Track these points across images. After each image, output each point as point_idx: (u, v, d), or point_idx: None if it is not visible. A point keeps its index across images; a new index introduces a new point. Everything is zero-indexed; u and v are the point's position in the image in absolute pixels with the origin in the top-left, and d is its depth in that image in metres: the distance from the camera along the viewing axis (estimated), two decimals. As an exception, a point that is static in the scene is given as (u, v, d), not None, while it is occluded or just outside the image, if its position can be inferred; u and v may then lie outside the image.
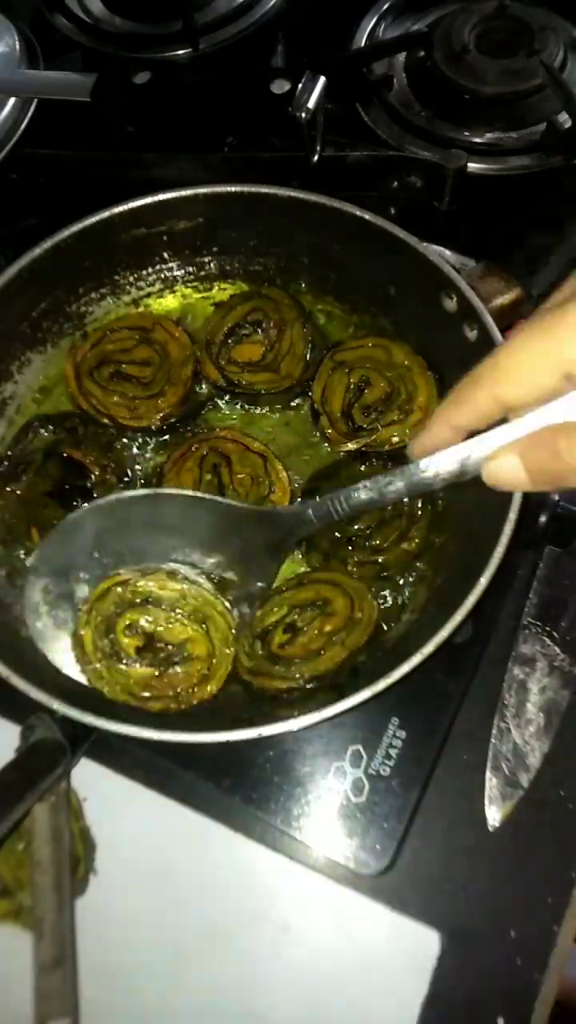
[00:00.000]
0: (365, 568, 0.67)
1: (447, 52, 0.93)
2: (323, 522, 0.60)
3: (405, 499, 0.57)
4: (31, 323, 0.77)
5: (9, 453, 0.74)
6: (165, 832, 0.65)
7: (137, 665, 0.63)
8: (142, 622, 0.64)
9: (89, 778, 0.66)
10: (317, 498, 0.60)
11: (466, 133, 0.90)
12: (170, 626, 0.64)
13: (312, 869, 0.64)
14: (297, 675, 0.62)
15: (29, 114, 0.91)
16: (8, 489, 0.72)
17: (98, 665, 0.63)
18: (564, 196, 0.86)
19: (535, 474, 0.44)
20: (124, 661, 0.63)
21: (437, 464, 0.48)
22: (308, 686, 0.61)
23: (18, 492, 0.71)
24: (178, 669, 0.63)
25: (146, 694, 0.62)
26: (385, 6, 1.02)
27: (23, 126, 0.91)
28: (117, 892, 0.64)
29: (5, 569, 0.70)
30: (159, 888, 0.64)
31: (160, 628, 0.64)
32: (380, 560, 0.67)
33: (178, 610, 0.64)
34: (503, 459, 0.44)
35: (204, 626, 0.64)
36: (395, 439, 0.71)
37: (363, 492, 0.54)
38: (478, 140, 0.90)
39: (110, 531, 0.63)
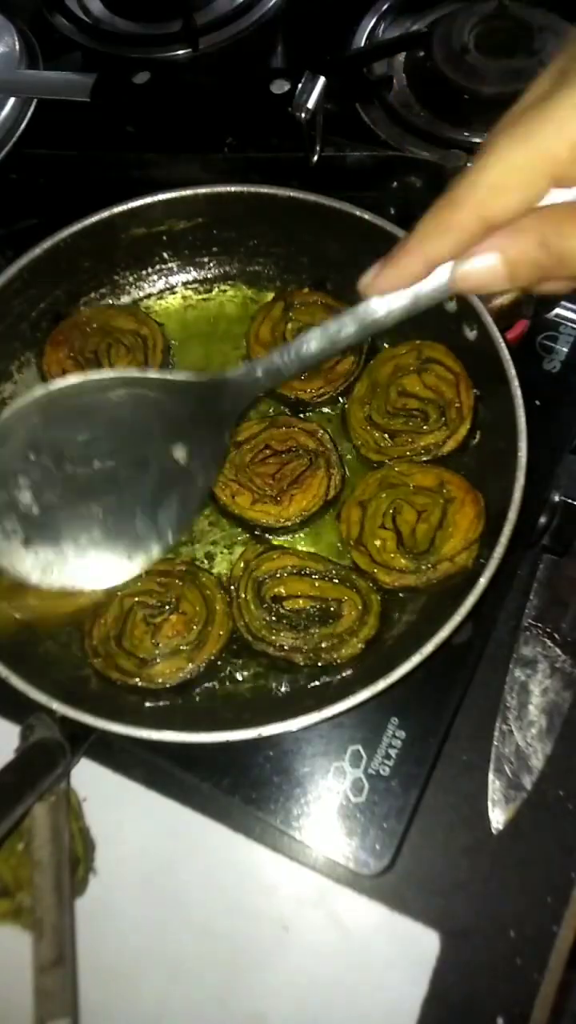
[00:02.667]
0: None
1: (447, 52, 0.92)
2: (272, 379, 0.57)
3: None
4: (31, 323, 0.77)
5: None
6: (165, 832, 0.65)
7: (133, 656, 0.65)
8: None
9: (89, 778, 0.66)
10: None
11: (466, 133, 0.90)
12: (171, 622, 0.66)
13: (312, 869, 0.64)
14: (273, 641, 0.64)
15: (29, 114, 0.91)
16: None
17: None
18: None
19: (516, 265, 0.40)
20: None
21: (389, 301, 0.45)
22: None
23: None
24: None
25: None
26: (385, 6, 1.02)
27: (23, 126, 0.91)
28: (117, 892, 0.64)
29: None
30: (159, 888, 0.64)
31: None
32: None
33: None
34: (478, 257, 0.41)
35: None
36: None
37: (313, 343, 0.51)
38: (478, 140, 0.90)
39: (41, 430, 0.59)
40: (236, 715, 0.63)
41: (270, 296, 0.81)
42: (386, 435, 0.72)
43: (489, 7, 0.94)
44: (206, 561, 0.72)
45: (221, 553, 0.72)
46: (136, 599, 0.67)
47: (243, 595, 0.66)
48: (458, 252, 0.41)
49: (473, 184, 0.39)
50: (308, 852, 0.64)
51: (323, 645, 0.64)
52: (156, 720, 0.60)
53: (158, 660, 0.64)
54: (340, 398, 0.76)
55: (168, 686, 0.64)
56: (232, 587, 0.67)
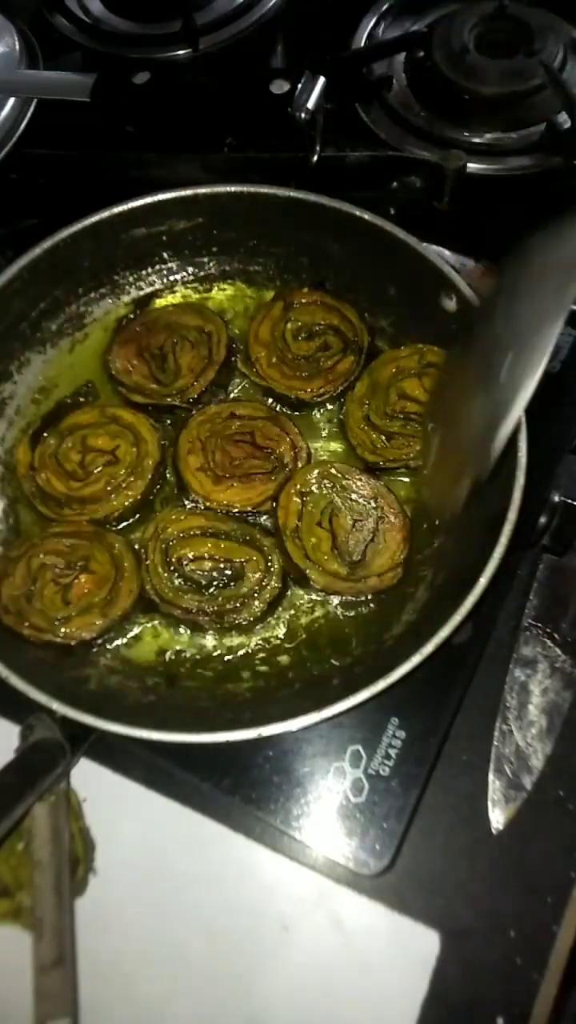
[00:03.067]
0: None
1: (447, 52, 0.92)
2: None
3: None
4: (31, 323, 0.77)
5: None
6: (165, 832, 0.65)
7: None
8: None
9: (89, 778, 0.66)
10: None
11: (466, 133, 0.90)
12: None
13: (312, 869, 0.64)
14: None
15: (29, 114, 0.91)
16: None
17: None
18: (564, 196, 0.86)
19: None
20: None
21: None
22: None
23: None
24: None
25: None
26: (385, 6, 1.02)
27: (23, 126, 0.91)
28: (117, 892, 0.64)
29: (5, 569, 0.71)
30: (159, 888, 0.64)
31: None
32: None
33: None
34: None
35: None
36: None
37: None
38: (478, 140, 0.90)
39: None
40: (236, 715, 0.63)
41: (270, 295, 0.81)
42: (383, 436, 0.72)
43: (489, 7, 0.94)
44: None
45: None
46: (44, 560, 0.68)
47: (152, 557, 0.68)
48: None
49: None
50: (308, 852, 0.64)
51: (227, 607, 0.67)
52: (156, 720, 0.60)
53: (72, 616, 0.66)
54: (341, 398, 0.76)
55: (83, 640, 0.66)
56: (141, 549, 0.69)
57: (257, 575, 0.68)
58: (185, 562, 0.68)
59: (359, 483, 0.70)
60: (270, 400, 0.77)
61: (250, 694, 0.66)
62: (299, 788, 0.65)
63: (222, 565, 0.68)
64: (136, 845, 0.65)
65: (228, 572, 0.68)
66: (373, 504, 0.69)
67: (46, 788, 0.60)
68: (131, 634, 0.69)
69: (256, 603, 0.67)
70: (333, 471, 0.70)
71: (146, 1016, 0.61)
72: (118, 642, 0.68)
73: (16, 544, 0.70)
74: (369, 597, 0.68)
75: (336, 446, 0.76)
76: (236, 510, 0.71)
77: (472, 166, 0.84)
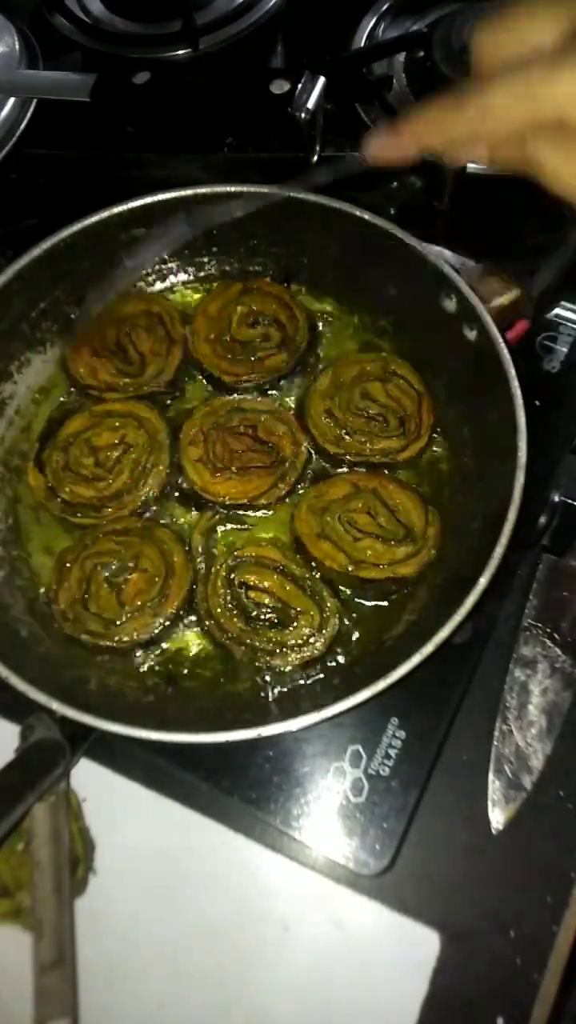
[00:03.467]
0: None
1: (446, 52, 0.92)
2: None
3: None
4: (30, 323, 0.77)
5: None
6: (165, 832, 0.65)
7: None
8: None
9: (89, 778, 0.66)
10: None
11: (466, 133, 0.90)
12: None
13: (312, 869, 0.64)
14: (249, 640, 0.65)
15: (29, 114, 0.91)
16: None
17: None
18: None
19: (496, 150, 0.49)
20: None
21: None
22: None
23: None
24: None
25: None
26: (384, 6, 1.02)
27: (23, 126, 0.91)
28: (117, 892, 0.64)
29: (5, 569, 0.70)
30: (158, 888, 0.64)
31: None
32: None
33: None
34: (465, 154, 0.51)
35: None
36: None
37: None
38: (478, 140, 0.90)
39: None
40: (236, 715, 0.63)
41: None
42: (344, 431, 0.73)
43: (489, 7, 0.94)
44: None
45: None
46: (97, 561, 0.68)
47: (218, 571, 0.67)
48: (447, 150, 0.52)
49: (481, 105, 0.47)
50: (308, 852, 0.64)
51: (265, 647, 0.65)
52: (156, 720, 0.60)
53: (126, 619, 0.66)
54: (270, 391, 0.77)
55: (139, 642, 0.66)
56: (203, 555, 0.69)
57: (307, 631, 0.65)
58: (246, 587, 0.67)
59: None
60: (205, 381, 0.78)
61: (250, 694, 0.66)
62: (299, 788, 0.65)
63: (279, 605, 0.67)
64: (136, 845, 0.65)
65: (279, 615, 0.66)
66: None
67: (46, 788, 0.60)
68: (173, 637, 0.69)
69: (292, 656, 0.65)
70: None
71: (146, 1016, 0.61)
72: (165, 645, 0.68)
73: (68, 549, 0.70)
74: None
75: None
76: (229, 502, 0.71)
77: (472, 166, 0.84)
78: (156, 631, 0.66)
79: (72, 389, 0.79)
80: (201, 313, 0.78)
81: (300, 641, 0.65)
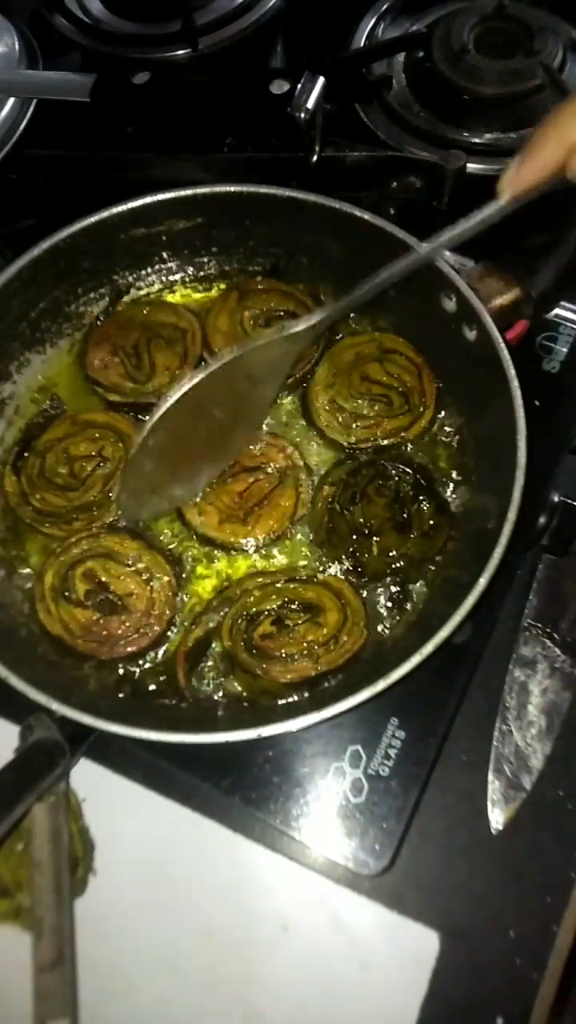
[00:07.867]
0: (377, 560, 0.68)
1: (446, 52, 0.92)
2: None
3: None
4: (30, 323, 0.77)
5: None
6: (164, 832, 0.65)
7: (82, 608, 0.67)
8: (99, 571, 0.69)
9: (89, 778, 0.66)
10: None
11: (465, 134, 0.91)
12: (121, 580, 0.68)
13: (311, 869, 0.64)
14: (259, 671, 0.64)
15: (29, 114, 0.91)
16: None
17: (49, 603, 0.67)
18: (563, 197, 0.86)
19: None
20: (72, 600, 0.68)
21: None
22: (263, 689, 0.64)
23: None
24: (118, 618, 0.67)
25: (79, 633, 0.67)
26: (384, 6, 1.02)
27: (23, 126, 0.91)
28: (116, 892, 0.64)
29: (4, 569, 0.70)
30: (158, 888, 0.64)
31: (113, 579, 0.68)
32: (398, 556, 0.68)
33: (130, 565, 0.69)
34: None
35: (149, 586, 0.68)
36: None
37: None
38: (477, 140, 0.90)
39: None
40: (236, 715, 0.63)
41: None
42: (351, 417, 0.73)
43: (489, 7, 0.94)
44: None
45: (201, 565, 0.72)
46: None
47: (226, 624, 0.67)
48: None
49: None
50: (308, 852, 0.64)
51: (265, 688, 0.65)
52: (156, 720, 0.60)
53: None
54: (303, 383, 0.77)
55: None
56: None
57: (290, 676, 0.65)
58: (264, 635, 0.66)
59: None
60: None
61: (250, 694, 0.66)
62: (299, 788, 0.65)
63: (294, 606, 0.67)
64: (136, 845, 0.65)
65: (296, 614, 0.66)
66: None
67: (46, 788, 0.60)
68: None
69: (277, 702, 0.65)
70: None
71: (145, 1016, 0.61)
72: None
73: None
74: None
75: (296, 435, 0.76)
76: (279, 531, 0.71)
77: (472, 166, 0.84)
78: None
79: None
80: (214, 331, 0.78)
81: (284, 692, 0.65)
